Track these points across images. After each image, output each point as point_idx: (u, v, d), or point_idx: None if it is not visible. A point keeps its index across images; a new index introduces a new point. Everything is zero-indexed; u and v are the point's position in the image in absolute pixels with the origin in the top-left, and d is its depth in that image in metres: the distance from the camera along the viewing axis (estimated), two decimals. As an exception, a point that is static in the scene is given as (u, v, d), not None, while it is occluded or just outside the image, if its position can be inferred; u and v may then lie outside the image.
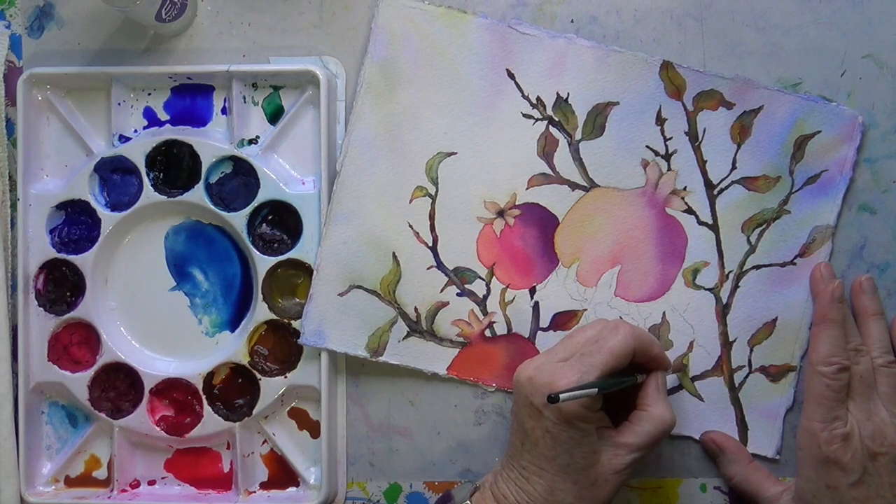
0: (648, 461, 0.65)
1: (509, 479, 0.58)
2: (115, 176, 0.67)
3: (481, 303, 0.64)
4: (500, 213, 0.64)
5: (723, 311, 0.64)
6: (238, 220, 0.65)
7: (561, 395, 0.52)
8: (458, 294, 0.64)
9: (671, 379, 0.64)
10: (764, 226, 0.64)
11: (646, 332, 0.59)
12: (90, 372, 0.66)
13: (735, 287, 0.64)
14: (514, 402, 0.59)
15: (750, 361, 0.64)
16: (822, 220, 0.63)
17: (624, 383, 0.57)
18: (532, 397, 0.56)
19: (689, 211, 0.64)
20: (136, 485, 0.67)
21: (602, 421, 0.58)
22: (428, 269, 0.64)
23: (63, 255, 0.66)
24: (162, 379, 0.65)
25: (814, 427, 0.58)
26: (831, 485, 0.58)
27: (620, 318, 0.64)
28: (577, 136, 0.64)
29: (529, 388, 0.57)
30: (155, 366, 0.66)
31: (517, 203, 0.64)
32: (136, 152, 0.66)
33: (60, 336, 0.67)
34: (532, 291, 0.64)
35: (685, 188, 0.64)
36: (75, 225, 0.67)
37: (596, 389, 0.54)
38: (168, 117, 0.67)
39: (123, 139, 0.66)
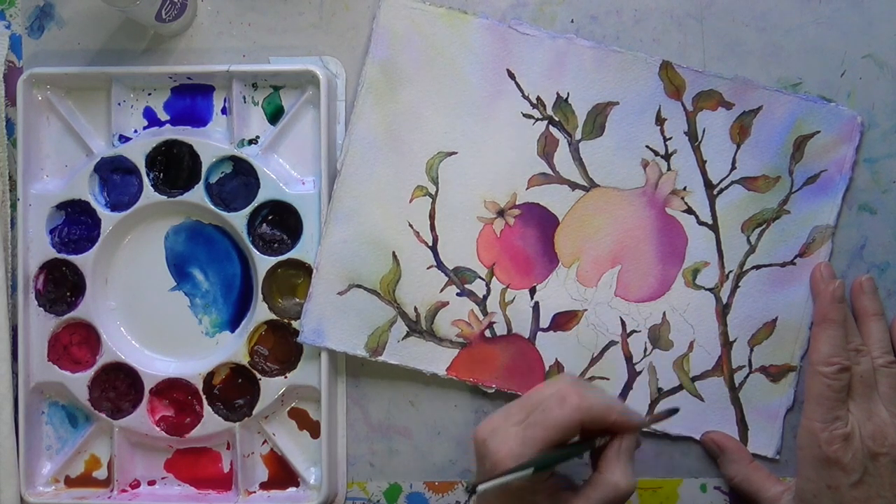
0: (648, 461, 0.65)
1: None
2: (115, 176, 0.67)
3: (481, 303, 0.64)
4: (500, 213, 0.64)
5: (723, 311, 0.64)
6: (238, 220, 0.65)
7: (479, 487, 0.50)
8: (457, 294, 0.64)
9: (671, 378, 0.64)
10: (764, 226, 0.64)
11: (600, 403, 0.54)
12: (90, 372, 0.66)
13: (735, 287, 0.64)
14: (476, 459, 0.56)
15: (750, 361, 0.64)
16: (822, 220, 0.63)
17: (570, 455, 0.54)
18: (484, 461, 0.54)
19: (689, 211, 0.64)
20: (136, 485, 0.67)
21: (554, 487, 0.54)
22: (428, 268, 0.64)
23: (63, 255, 0.66)
24: (162, 379, 0.65)
25: (814, 427, 0.58)
26: (832, 485, 0.58)
27: (623, 324, 0.64)
28: (577, 135, 0.64)
29: (482, 451, 0.54)
30: (155, 366, 0.66)
31: (517, 203, 0.64)
32: (136, 152, 0.66)
33: (60, 336, 0.66)
34: (532, 291, 0.64)
35: (685, 188, 0.64)
36: (75, 225, 0.67)
37: (531, 470, 0.51)
38: (168, 117, 0.67)
39: (123, 139, 0.66)
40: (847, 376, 0.59)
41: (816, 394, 0.59)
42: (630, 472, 0.54)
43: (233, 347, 0.65)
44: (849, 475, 0.57)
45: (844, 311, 0.61)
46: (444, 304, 0.64)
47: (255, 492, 0.66)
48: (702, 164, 0.64)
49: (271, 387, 0.65)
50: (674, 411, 0.58)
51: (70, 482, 0.67)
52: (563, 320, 0.64)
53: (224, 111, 0.67)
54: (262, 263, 0.65)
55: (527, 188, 0.64)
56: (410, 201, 0.64)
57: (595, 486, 0.54)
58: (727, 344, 0.64)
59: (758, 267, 0.64)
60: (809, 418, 0.59)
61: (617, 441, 0.55)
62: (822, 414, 0.58)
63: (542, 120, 0.64)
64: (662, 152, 0.64)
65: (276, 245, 0.66)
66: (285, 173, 0.66)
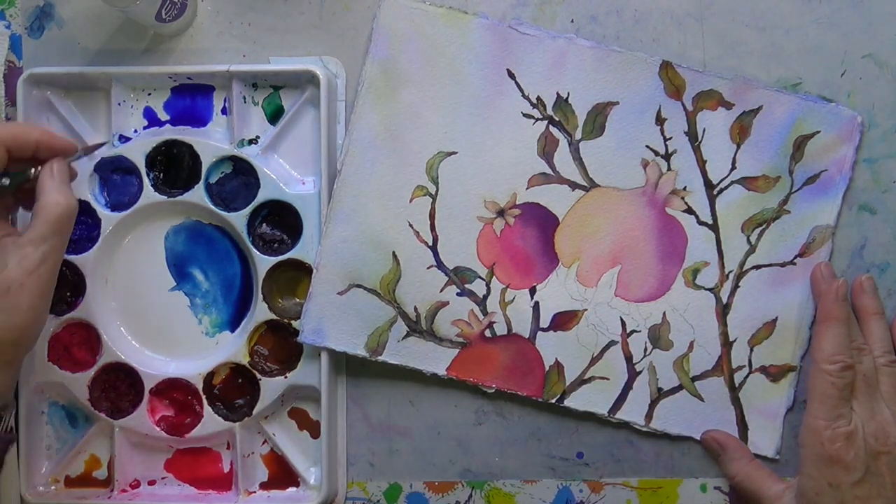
0: (648, 461, 0.65)
1: None
2: (115, 176, 0.67)
3: (481, 303, 0.64)
4: (501, 213, 0.64)
5: (723, 311, 0.64)
6: (238, 220, 0.65)
7: None
8: (457, 294, 0.64)
9: (671, 378, 0.64)
10: (764, 226, 0.64)
11: (21, 125, 0.56)
12: (90, 372, 0.66)
13: (735, 287, 0.64)
14: None
15: (750, 361, 0.64)
16: (822, 220, 0.64)
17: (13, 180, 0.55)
18: None
19: (689, 211, 0.64)
20: (136, 485, 0.67)
21: (4, 229, 0.56)
22: (428, 268, 0.64)
23: (63, 255, 0.66)
24: (162, 379, 0.65)
25: (817, 425, 0.58)
26: (834, 483, 0.58)
27: (623, 324, 0.64)
28: (577, 135, 0.64)
29: None
30: (155, 366, 0.66)
31: (517, 203, 0.64)
32: (137, 152, 0.65)
33: (60, 336, 0.66)
34: (532, 291, 0.64)
35: (685, 188, 0.64)
36: (75, 225, 0.67)
37: None
38: (168, 117, 0.67)
39: (123, 139, 0.66)
40: (851, 374, 0.59)
41: (820, 392, 0.59)
42: (69, 191, 0.55)
43: (233, 347, 0.65)
44: (851, 473, 0.57)
45: (847, 310, 0.61)
46: (444, 303, 0.64)
47: (255, 492, 0.66)
48: (702, 164, 0.64)
49: (271, 387, 0.65)
50: (101, 144, 0.63)
51: (70, 482, 0.67)
52: (563, 320, 0.64)
53: (224, 111, 0.67)
54: (262, 263, 0.65)
55: (527, 188, 0.64)
56: (410, 201, 0.64)
57: (37, 213, 0.54)
58: (727, 344, 0.64)
59: (758, 267, 0.64)
60: (812, 416, 0.59)
61: (48, 165, 0.56)
62: (826, 412, 0.58)
63: (542, 120, 0.64)
64: (662, 152, 0.64)
65: (276, 245, 0.66)
66: (285, 173, 0.66)
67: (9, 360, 0.55)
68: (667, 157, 0.64)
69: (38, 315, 0.55)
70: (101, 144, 0.64)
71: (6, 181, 0.55)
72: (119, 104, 0.66)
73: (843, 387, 0.59)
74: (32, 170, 0.56)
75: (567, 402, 0.64)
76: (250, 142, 0.66)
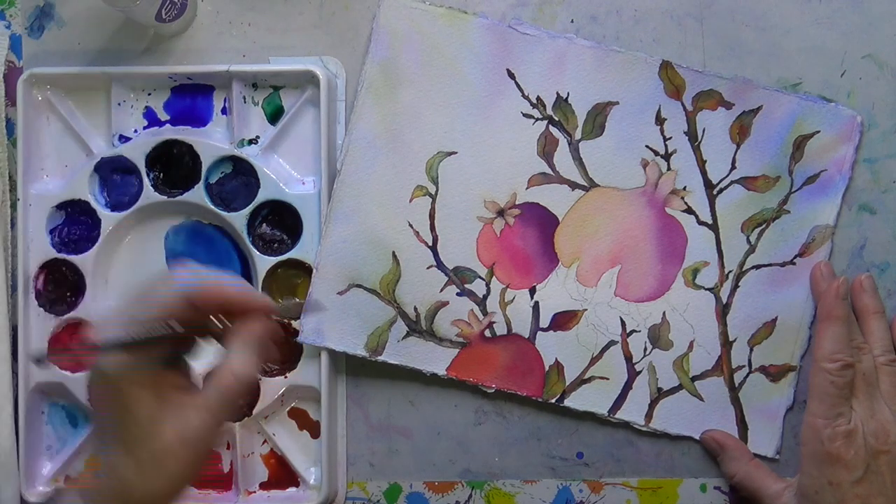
0: (648, 461, 0.65)
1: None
2: (115, 176, 0.67)
3: (481, 303, 0.64)
4: (500, 213, 0.64)
5: (723, 310, 0.64)
6: (238, 220, 0.65)
7: (43, 359, 0.47)
8: (457, 294, 0.64)
9: (671, 378, 0.64)
10: (764, 226, 0.64)
11: (215, 284, 0.48)
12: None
13: (735, 287, 0.64)
14: None
15: (750, 361, 0.64)
16: (822, 220, 0.64)
17: (169, 337, 0.47)
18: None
19: (689, 211, 0.64)
20: (135, 485, 0.67)
21: (164, 383, 0.48)
22: (428, 268, 0.64)
23: (63, 255, 0.66)
24: (162, 379, 0.65)
25: (817, 423, 0.58)
26: (833, 481, 0.58)
27: (624, 324, 0.64)
28: (577, 135, 0.64)
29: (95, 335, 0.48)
30: (155, 366, 0.66)
31: (517, 203, 0.64)
32: (136, 152, 0.65)
33: (60, 336, 0.66)
34: (532, 291, 0.64)
35: (685, 188, 0.64)
36: (75, 225, 0.67)
37: (111, 351, 0.46)
38: (168, 117, 0.67)
39: (123, 139, 0.66)
40: (851, 373, 0.59)
41: (820, 390, 0.59)
42: (250, 360, 0.49)
43: (233, 347, 0.65)
44: (851, 472, 0.57)
45: (848, 309, 0.61)
46: (444, 303, 0.64)
47: (255, 492, 0.66)
48: (702, 163, 0.64)
49: (271, 387, 0.65)
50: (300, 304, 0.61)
51: (70, 482, 0.67)
52: (563, 320, 0.64)
53: (224, 111, 0.67)
54: (262, 263, 0.65)
55: (527, 188, 0.64)
56: (410, 201, 0.64)
57: (212, 377, 0.49)
58: (727, 344, 0.64)
59: (757, 267, 0.64)
60: (812, 415, 0.59)
61: (239, 325, 0.50)
62: (825, 410, 0.58)
63: (541, 120, 0.64)
64: (662, 152, 0.64)
65: (276, 245, 0.66)
66: (285, 173, 0.66)
67: None
68: (667, 157, 0.64)
69: (180, 486, 0.48)
70: (301, 303, 0.59)
71: (180, 328, 0.48)
72: (119, 104, 0.66)
73: (843, 385, 0.59)
74: (214, 322, 0.50)
75: (567, 402, 0.64)
76: (250, 142, 0.66)
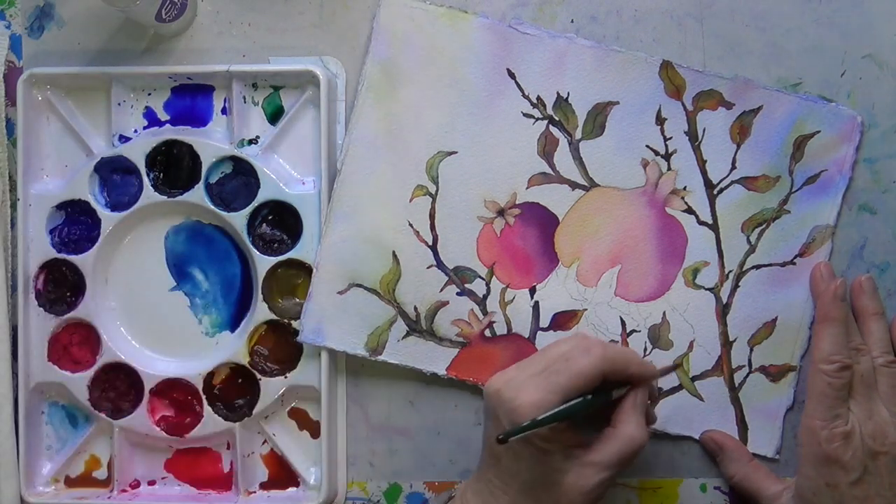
0: (648, 461, 0.65)
1: (477, 493, 0.56)
2: (115, 176, 0.67)
3: (481, 302, 0.64)
4: (501, 213, 0.64)
5: (723, 310, 0.64)
6: (238, 220, 0.65)
7: (511, 438, 0.51)
8: (457, 293, 0.64)
9: (670, 378, 0.64)
10: (764, 225, 0.64)
11: (622, 352, 0.56)
12: (90, 372, 0.66)
13: (735, 287, 0.64)
14: (483, 413, 0.57)
15: (750, 361, 0.64)
16: (822, 220, 0.63)
17: (592, 405, 0.54)
18: (498, 411, 0.54)
19: (689, 211, 0.64)
20: (136, 485, 0.67)
21: (570, 440, 0.55)
22: (428, 268, 0.64)
23: (63, 255, 0.66)
24: (162, 379, 0.65)
25: (815, 425, 0.58)
26: (831, 483, 0.58)
27: (624, 323, 0.64)
28: (578, 135, 0.64)
29: (496, 401, 0.54)
30: (155, 366, 0.66)
31: (517, 202, 0.64)
32: (136, 152, 0.66)
33: (60, 336, 0.66)
34: (532, 291, 0.64)
35: (685, 188, 0.64)
36: (75, 225, 0.67)
37: (553, 423, 0.52)
38: (168, 117, 0.67)
39: (123, 139, 0.66)
40: (848, 374, 0.59)
41: (817, 392, 0.59)
42: (644, 425, 0.56)
43: (233, 347, 0.65)
44: (848, 473, 0.57)
45: (846, 310, 0.61)
46: (444, 303, 0.64)
47: (255, 492, 0.66)
48: (702, 163, 0.64)
49: (271, 387, 0.65)
50: (676, 366, 0.62)
51: (70, 482, 0.67)
52: (563, 320, 0.64)
53: (224, 111, 0.67)
54: (262, 263, 0.65)
55: (527, 188, 0.64)
56: (410, 201, 0.64)
57: (611, 439, 0.55)
58: (727, 344, 0.64)
59: (758, 267, 0.64)
60: (810, 416, 0.59)
61: (633, 394, 0.56)
62: (823, 412, 0.58)
63: (542, 119, 0.64)
64: (662, 152, 0.64)
65: (276, 245, 0.66)
66: (285, 173, 0.66)
67: None
68: (667, 156, 0.64)
69: None
70: (676, 367, 0.63)
71: (589, 398, 0.54)
72: (119, 104, 0.66)
73: (841, 387, 0.59)
74: (615, 391, 0.56)
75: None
76: (250, 142, 0.66)
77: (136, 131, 0.67)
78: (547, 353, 0.56)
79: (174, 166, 0.66)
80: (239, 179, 0.66)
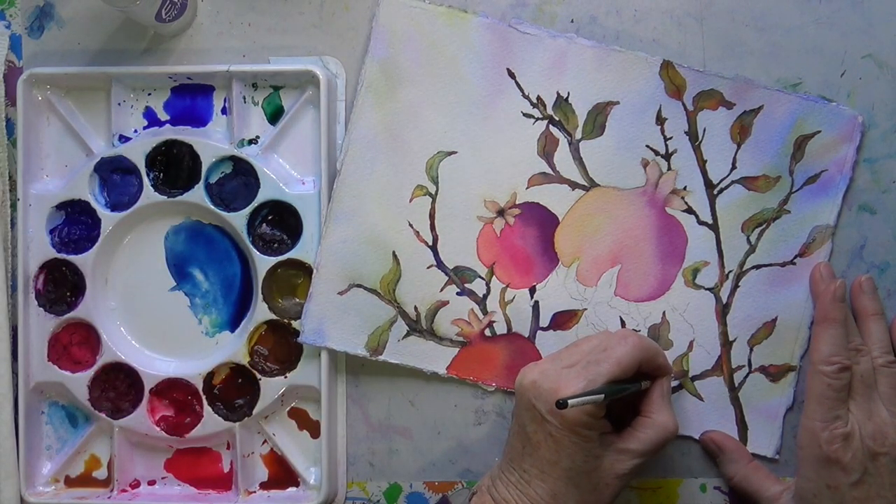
0: (648, 462, 0.64)
1: (510, 483, 0.58)
2: (115, 176, 0.67)
3: (481, 302, 0.64)
4: (501, 213, 0.64)
5: (723, 310, 0.64)
6: (238, 220, 0.65)
7: (570, 402, 0.52)
8: (457, 293, 0.64)
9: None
10: (764, 225, 0.64)
11: (652, 343, 0.59)
12: (90, 372, 0.66)
13: (735, 287, 0.64)
14: (517, 405, 0.58)
15: (750, 361, 0.64)
16: (822, 220, 0.63)
17: (629, 390, 0.57)
18: (535, 401, 0.56)
19: (689, 211, 0.64)
20: (136, 485, 0.67)
21: (605, 427, 0.58)
22: (428, 268, 0.64)
23: (63, 255, 0.66)
24: (162, 379, 0.65)
25: (814, 426, 0.58)
26: (832, 484, 0.58)
27: (623, 323, 0.64)
28: (578, 135, 0.64)
29: (533, 392, 0.57)
30: (155, 366, 0.66)
31: (517, 202, 0.64)
32: (136, 152, 0.66)
33: (60, 336, 0.66)
34: (532, 291, 0.64)
35: (685, 188, 0.64)
36: (75, 225, 0.67)
37: (603, 396, 0.54)
38: (168, 117, 0.67)
39: (123, 139, 0.66)
40: (847, 375, 0.59)
41: (817, 393, 0.59)
42: (673, 414, 0.59)
43: (233, 347, 0.65)
44: (849, 475, 0.57)
45: (845, 311, 0.61)
46: (444, 303, 0.64)
47: (255, 492, 0.66)
48: (702, 163, 0.64)
49: (271, 387, 0.65)
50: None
51: (70, 482, 0.67)
52: (563, 319, 0.64)
53: (224, 111, 0.67)
54: (262, 263, 0.65)
55: (527, 187, 0.64)
56: (410, 201, 0.64)
57: (646, 427, 0.58)
58: (727, 344, 0.64)
59: (758, 267, 0.64)
60: (810, 417, 0.59)
61: (659, 385, 0.59)
62: (823, 413, 0.58)
63: (542, 119, 0.64)
64: (663, 152, 0.64)
65: (276, 245, 0.66)
66: (285, 173, 0.66)
67: None
68: (667, 156, 0.64)
69: None
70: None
71: (622, 388, 0.57)
72: (119, 104, 0.66)
73: (840, 388, 0.59)
74: (643, 382, 0.59)
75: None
76: (250, 142, 0.66)
77: (135, 131, 0.67)
78: (579, 346, 0.59)
79: (174, 166, 0.66)
80: (239, 179, 0.66)
